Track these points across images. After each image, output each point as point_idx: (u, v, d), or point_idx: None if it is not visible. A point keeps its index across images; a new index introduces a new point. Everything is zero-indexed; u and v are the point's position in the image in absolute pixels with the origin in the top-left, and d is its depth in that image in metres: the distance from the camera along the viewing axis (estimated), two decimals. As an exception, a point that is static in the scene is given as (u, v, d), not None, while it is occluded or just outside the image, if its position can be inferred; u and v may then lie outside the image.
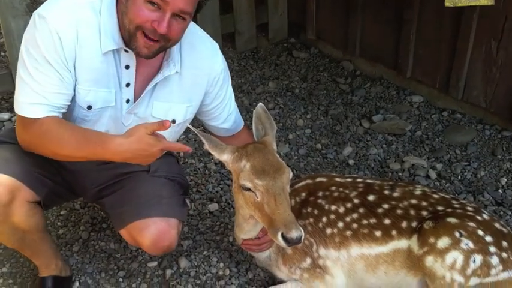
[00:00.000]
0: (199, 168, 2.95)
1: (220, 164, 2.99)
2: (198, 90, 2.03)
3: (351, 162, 3.01)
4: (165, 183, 2.08)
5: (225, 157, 1.94)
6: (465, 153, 3.06)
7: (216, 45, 2.08)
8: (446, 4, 2.33)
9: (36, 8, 1.91)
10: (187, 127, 2.00)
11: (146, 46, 1.79)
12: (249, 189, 1.85)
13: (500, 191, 2.78)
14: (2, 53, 4.03)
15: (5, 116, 3.29)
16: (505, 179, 2.85)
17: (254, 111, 2.04)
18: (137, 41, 1.78)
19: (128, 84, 1.90)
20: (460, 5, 2.32)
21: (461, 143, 3.14)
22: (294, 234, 1.77)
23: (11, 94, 3.45)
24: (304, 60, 4.04)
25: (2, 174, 1.83)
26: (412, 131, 3.25)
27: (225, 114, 2.16)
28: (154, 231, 1.96)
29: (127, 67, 1.88)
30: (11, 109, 3.34)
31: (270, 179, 1.84)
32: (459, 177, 2.88)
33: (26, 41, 1.82)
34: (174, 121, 2.01)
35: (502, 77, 3.12)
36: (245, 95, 3.63)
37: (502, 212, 2.64)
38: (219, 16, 3.89)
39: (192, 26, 1.95)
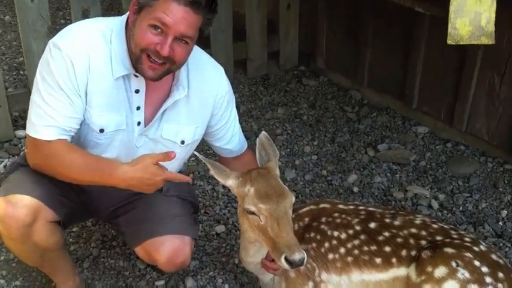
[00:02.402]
0: (207, 191, 3.05)
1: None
2: (205, 112, 2.14)
3: (355, 189, 3.09)
4: (178, 202, 2.18)
5: (230, 182, 2.03)
6: (467, 184, 3.13)
7: (221, 69, 2.19)
8: (449, 42, 2.43)
9: (57, 31, 2.05)
10: (195, 154, 2.10)
11: (151, 68, 1.89)
12: (253, 213, 1.93)
13: (500, 223, 2.85)
14: (21, 72, 4.18)
15: (22, 133, 3.41)
16: (506, 212, 2.92)
17: (257, 138, 2.13)
18: (142, 63, 1.89)
19: (138, 108, 2.01)
20: (461, 43, 2.41)
21: (464, 174, 3.22)
22: (296, 256, 1.84)
23: (26, 113, 3.57)
24: (313, 88, 4.16)
25: (24, 196, 1.93)
26: (416, 161, 3.34)
27: (229, 135, 2.26)
28: (169, 248, 2.06)
29: (137, 91, 1.99)
30: (27, 127, 3.47)
31: (273, 203, 1.92)
32: (461, 208, 2.96)
33: (41, 68, 1.95)
34: (183, 142, 2.11)
35: (505, 111, 3.21)
36: (254, 120, 3.73)
37: (501, 244, 2.70)
38: (232, 44, 4.02)
39: (197, 50, 2.06)
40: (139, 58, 1.88)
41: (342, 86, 4.15)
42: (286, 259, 1.86)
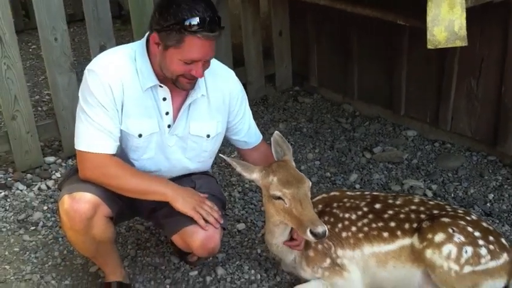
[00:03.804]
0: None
1: (243, 192, 3.43)
2: (224, 108, 2.50)
3: (357, 186, 3.44)
4: (208, 197, 2.48)
5: (255, 176, 2.38)
6: (456, 176, 3.50)
7: (232, 71, 2.58)
8: (429, 47, 2.82)
9: (79, 66, 2.41)
10: (221, 156, 2.45)
11: (189, 83, 2.31)
12: (278, 198, 2.28)
13: (488, 204, 3.21)
14: (39, 108, 4.53)
15: (51, 159, 3.76)
16: (492, 195, 3.28)
17: (272, 138, 2.50)
18: (181, 82, 2.29)
19: (167, 113, 2.38)
20: (440, 46, 2.81)
21: (453, 167, 3.58)
22: (320, 229, 2.18)
23: (52, 141, 3.93)
24: (309, 104, 4.54)
25: (87, 193, 2.26)
26: (409, 160, 3.71)
27: (246, 128, 2.61)
28: (202, 235, 2.37)
29: (164, 99, 2.36)
30: (54, 154, 3.83)
31: (294, 188, 2.27)
32: (452, 195, 3.31)
33: (82, 92, 2.31)
34: (208, 135, 2.47)
35: (483, 110, 3.60)
36: (259, 135, 4.08)
37: (490, 221, 3.05)
38: (232, 69, 4.39)
39: None
40: (177, 79, 2.27)
41: (334, 101, 4.53)
42: (311, 232, 2.20)
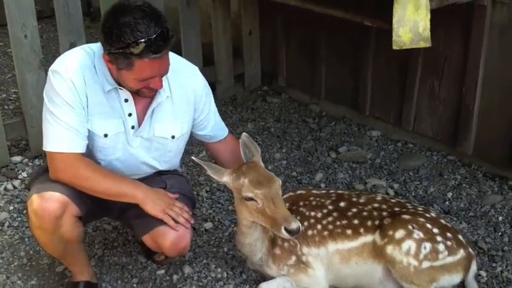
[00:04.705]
0: (193, 196, 3.42)
1: (211, 192, 3.47)
2: (188, 107, 2.50)
3: (322, 185, 3.52)
4: (179, 197, 2.51)
5: (225, 179, 2.41)
6: (417, 175, 3.61)
7: (195, 67, 2.56)
8: (394, 47, 2.91)
9: (48, 64, 2.41)
10: (192, 159, 2.47)
11: (150, 92, 2.32)
12: (251, 199, 2.32)
13: (447, 202, 3.33)
14: (5, 107, 4.48)
15: (18, 158, 3.73)
16: (451, 193, 3.40)
17: (240, 140, 2.53)
18: (142, 92, 2.31)
19: (130, 114, 2.39)
20: (404, 47, 2.90)
21: (414, 167, 3.70)
22: (294, 225, 2.25)
23: (19, 141, 3.90)
24: (277, 104, 4.61)
25: (56, 192, 2.27)
26: (372, 159, 3.80)
27: (212, 124, 2.62)
28: (173, 235, 2.40)
29: (126, 100, 2.36)
30: (21, 153, 3.80)
31: (266, 188, 2.32)
32: (413, 193, 3.42)
33: (47, 93, 2.31)
34: (173, 137, 2.48)
35: (444, 110, 3.72)
36: (227, 135, 4.13)
37: (449, 219, 3.16)
38: (202, 68, 4.44)
39: (172, 55, 2.40)
40: (138, 91, 2.29)
41: (302, 101, 4.61)
42: (285, 229, 2.25)
